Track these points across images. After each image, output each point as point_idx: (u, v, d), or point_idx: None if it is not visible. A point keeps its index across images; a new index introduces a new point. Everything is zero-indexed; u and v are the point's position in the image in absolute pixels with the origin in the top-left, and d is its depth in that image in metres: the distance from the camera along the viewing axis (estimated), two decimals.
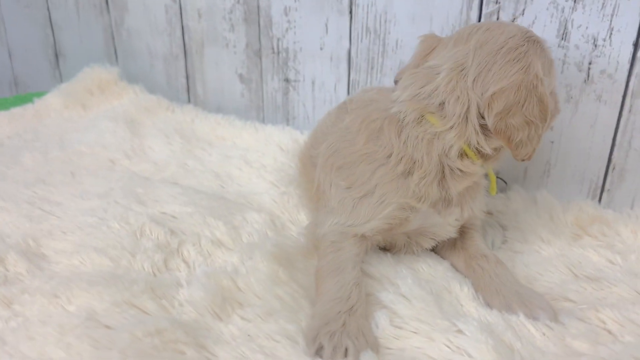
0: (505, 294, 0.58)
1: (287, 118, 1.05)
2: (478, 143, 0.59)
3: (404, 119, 0.60)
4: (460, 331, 0.52)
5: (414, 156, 0.59)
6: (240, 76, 1.08)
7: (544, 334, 0.54)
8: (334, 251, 0.58)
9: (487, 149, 0.59)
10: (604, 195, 0.78)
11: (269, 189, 0.80)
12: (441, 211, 0.62)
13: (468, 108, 0.58)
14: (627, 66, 0.71)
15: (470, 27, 0.63)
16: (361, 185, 0.60)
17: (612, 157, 0.76)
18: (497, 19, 0.77)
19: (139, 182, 0.80)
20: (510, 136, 0.58)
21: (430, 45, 0.65)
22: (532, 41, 0.60)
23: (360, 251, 0.60)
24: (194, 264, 0.61)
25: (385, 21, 0.87)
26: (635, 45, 0.70)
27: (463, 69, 0.59)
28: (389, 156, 0.59)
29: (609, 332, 0.55)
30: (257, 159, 0.90)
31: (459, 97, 0.58)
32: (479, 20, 0.79)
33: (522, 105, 0.57)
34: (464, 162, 0.60)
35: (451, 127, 0.58)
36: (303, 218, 0.74)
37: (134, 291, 0.53)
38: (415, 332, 0.52)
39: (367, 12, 0.88)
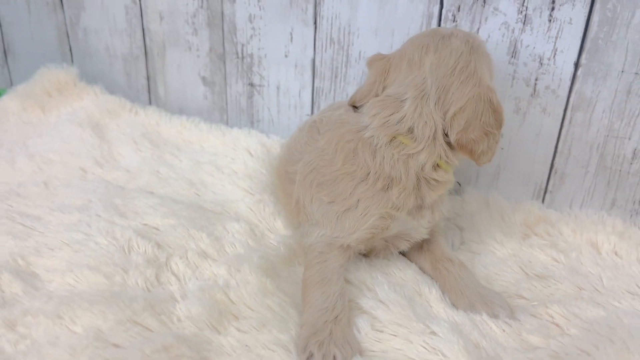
0: (468, 295, 0.66)
1: (251, 121, 1.09)
2: (447, 157, 0.66)
3: (377, 143, 0.65)
4: (434, 333, 0.59)
5: (392, 174, 0.64)
6: (204, 79, 1.10)
7: (504, 331, 0.61)
8: (320, 262, 0.64)
9: (455, 161, 0.66)
10: (547, 196, 0.87)
11: (244, 197, 0.84)
12: (415, 216, 0.68)
13: (435, 130, 0.65)
14: (569, 83, 0.80)
15: (418, 46, 0.68)
16: (344, 200, 0.65)
17: (555, 162, 0.85)
18: None
19: (115, 192, 0.82)
20: (472, 149, 0.65)
21: (382, 68, 0.71)
22: (474, 50, 0.67)
23: (344, 262, 0.66)
24: (184, 277, 0.65)
25: (349, 33, 0.92)
26: (576, 65, 0.78)
27: (424, 95, 0.65)
28: (367, 174, 0.65)
29: (557, 325, 0.63)
30: (227, 165, 0.94)
31: (426, 122, 0.64)
32: None
33: (480, 119, 0.64)
34: (438, 173, 0.66)
35: (422, 148, 0.64)
36: (280, 226, 0.78)
37: (135, 309, 0.57)
38: (394, 335, 0.59)
39: (332, 24, 0.92)
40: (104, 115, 1.06)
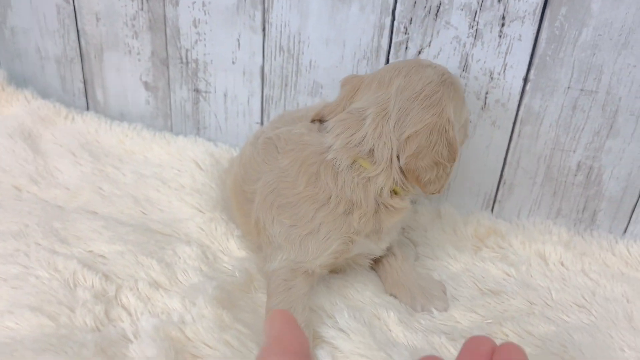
0: (410, 288, 0.70)
1: (197, 127, 1.05)
2: (402, 182, 0.65)
3: (339, 165, 0.64)
4: None
5: (352, 198, 0.63)
6: (146, 83, 1.05)
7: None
8: (284, 290, 0.62)
9: (410, 188, 0.66)
10: (496, 205, 0.89)
11: (193, 215, 0.81)
12: (373, 239, 0.68)
13: (392, 152, 0.64)
14: (518, 97, 0.81)
15: (392, 68, 0.68)
16: (306, 224, 0.64)
17: (504, 173, 0.86)
18: (406, 48, 0.83)
19: (54, 213, 0.77)
20: (419, 176, 0.64)
21: (354, 86, 0.70)
22: (446, 85, 0.67)
23: (309, 289, 0.65)
24: (135, 312, 0.62)
25: (299, 42, 0.89)
26: (525, 80, 0.79)
27: (385, 114, 0.65)
28: (329, 198, 0.63)
29: None
30: (173, 178, 0.90)
31: (385, 142, 0.64)
32: (389, 48, 0.84)
33: (432, 148, 0.64)
34: (394, 200, 0.66)
35: (380, 172, 0.64)
36: (234, 247, 0.76)
37: (84, 355, 0.53)
38: None
39: (281, 32, 0.89)
40: (37, 124, 0.99)
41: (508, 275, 0.76)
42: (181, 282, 0.67)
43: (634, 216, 0.83)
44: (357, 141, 0.64)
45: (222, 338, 0.59)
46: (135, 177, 0.89)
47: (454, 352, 0.62)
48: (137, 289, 0.65)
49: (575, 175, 0.83)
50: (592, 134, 0.80)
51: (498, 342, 0.62)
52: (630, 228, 0.84)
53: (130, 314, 0.62)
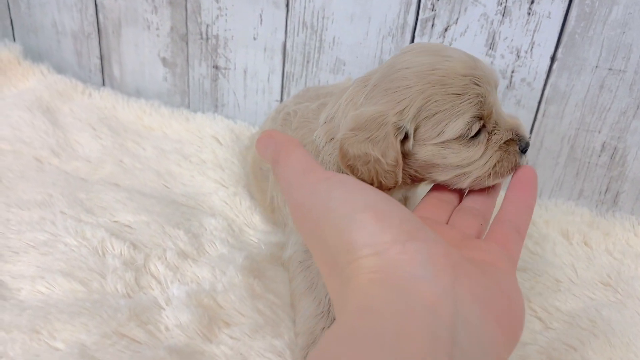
0: None
1: (215, 105, 1.04)
2: None
3: (319, 143, 0.59)
4: None
5: None
6: (164, 60, 1.04)
7: None
8: (302, 270, 0.61)
9: None
10: None
11: (217, 189, 0.80)
12: None
13: None
14: (544, 76, 0.80)
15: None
16: None
17: (527, 154, 0.86)
18: (432, 25, 0.82)
19: (77, 185, 0.77)
20: (350, 166, 0.54)
21: None
22: (430, 80, 0.52)
23: None
24: (165, 281, 0.61)
25: (323, 18, 0.88)
26: (552, 59, 0.79)
27: (362, 88, 0.56)
28: None
29: (540, 320, 0.64)
30: (194, 153, 0.89)
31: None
32: (415, 25, 0.83)
33: (360, 143, 0.53)
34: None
35: None
36: (258, 221, 0.76)
37: (119, 320, 0.53)
38: None
39: (305, 7, 0.89)
40: (55, 98, 0.99)
41: (533, 253, 0.76)
42: (209, 253, 0.67)
43: None
44: (331, 117, 0.58)
45: (254, 306, 0.58)
46: (156, 151, 0.89)
47: None
48: (166, 258, 0.64)
49: (600, 155, 0.83)
50: (619, 114, 0.79)
51: (527, 318, 0.63)
52: None
53: (160, 282, 0.61)
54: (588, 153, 0.83)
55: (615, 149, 0.82)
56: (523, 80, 0.82)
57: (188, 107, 1.06)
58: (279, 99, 0.98)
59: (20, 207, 0.70)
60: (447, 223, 0.51)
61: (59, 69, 1.09)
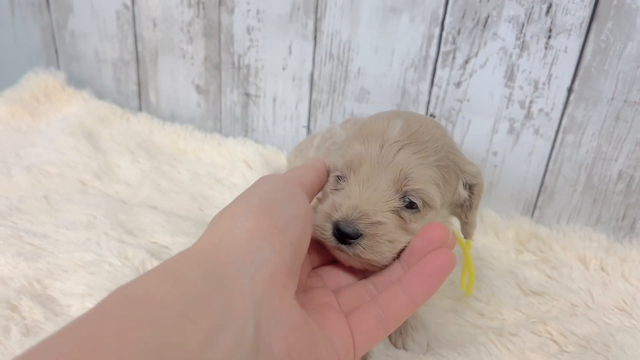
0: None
1: (245, 130, 1.09)
2: None
3: None
4: (441, 355, 0.62)
5: None
6: (197, 87, 1.10)
7: (508, 349, 0.65)
8: None
9: None
10: (536, 211, 0.92)
11: None
12: None
13: None
14: (561, 107, 0.84)
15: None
16: None
17: (545, 180, 0.89)
18: (454, 58, 0.87)
19: (118, 207, 0.82)
20: None
21: None
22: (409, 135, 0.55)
23: None
24: None
25: (349, 50, 0.93)
26: (569, 90, 0.82)
27: None
28: None
29: (556, 342, 0.67)
30: (226, 177, 0.94)
31: None
32: (437, 57, 0.88)
33: None
34: None
35: None
36: None
37: None
38: None
39: (332, 40, 0.94)
40: (96, 123, 1.05)
41: (550, 278, 0.79)
42: None
43: None
44: None
45: None
46: (190, 175, 0.94)
47: (502, 348, 0.65)
48: None
49: (616, 183, 0.85)
50: (634, 144, 0.82)
51: (540, 341, 0.66)
52: None
53: None
54: (605, 181, 0.86)
55: (631, 177, 0.84)
56: (541, 110, 0.85)
57: (220, 131, 1.11)
58: (306, 125, 1.03)
59: (67, 228, 0.76)
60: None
61: (100, 95, 1.16)
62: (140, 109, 1.17)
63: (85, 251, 0.71)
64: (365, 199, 0.49)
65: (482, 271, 0.80)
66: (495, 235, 0.87)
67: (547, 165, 0.88)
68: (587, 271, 0.80)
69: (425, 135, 0.53)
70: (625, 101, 0.80)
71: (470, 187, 0.58)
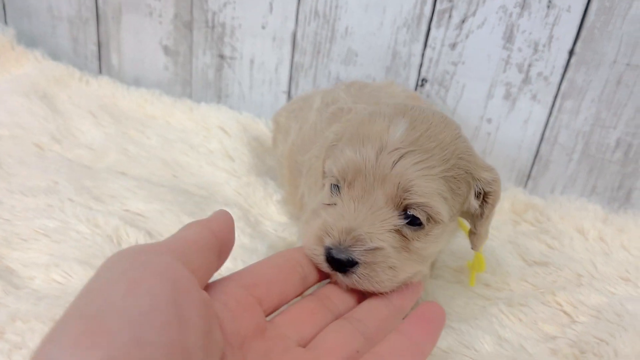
0: None
1: (219, 95, 1.01)
2: None
3: None
4: (458, 329, 0.57)
5: None
6: (165, 48, 1.01)
7: (520, 320, 0.61)
8: None
9: None
10: (530, 182, 0.88)
11: (228, 179, 0.77)
12: None
13: None
14: (561, 71, 0.80)
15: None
16: None
17: (540, 149, 0.86)
18: (450, 17, 0.81)
19: (82, 172, 0.73)
20: None
21: None
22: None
23: None
24: None
25: (336, 7, 0.86)
26: (570, 53, 0.79)
27: None
28: None
29: (566, 313, 0.63)
30: (201, 143, 0.86)
31: None
32: (432, 16, 0.82)
33: None
34: None
35: None
36: (274, 211, 0.73)
37: None
38: None
39: None
40: (51, 84, 0.95)
41: (551, 247, 0.75)
42: None
43: None
44: None
45: None
46: (161, 140, 0.85)
47: (514, 320, 0.61)
48: None
49: (614, 152, 0.83)
50: (635, 110, 0.79)
51: (551, 312, 0.62)
52: None
53: None
54: (602, 149, 0.83)
55: (629, 145, 0.81)
56: (540, 74, 0.81)
57: (190, 97, 1.02)
58: (286, 90, 0.96)
59: (24, 193, 0.66)
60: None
61: (54, 56, 1.05)
62: (100, 72, 1.07)
63: (47, 218, 0.62)
64: (361, 220, 0.43)
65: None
66: None
67: (543, 133, 0.84)
68: (587, 241, 0.77)
69: (432, 141, 0.45)
70: (627, 64, 0.77)
71: (484, 195, 0.51)
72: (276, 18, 0.91)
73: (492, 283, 0.66)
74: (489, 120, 0.86)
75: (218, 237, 0.36)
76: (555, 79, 0.81)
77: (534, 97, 0.83)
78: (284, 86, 0.96)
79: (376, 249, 0.42)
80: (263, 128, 0.93)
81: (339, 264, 0.42)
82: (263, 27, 0.92)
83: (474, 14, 0.80)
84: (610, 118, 0.81)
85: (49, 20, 1.05)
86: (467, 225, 0.57)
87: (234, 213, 0.69)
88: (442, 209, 0.44)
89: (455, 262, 0.70)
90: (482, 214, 0.51)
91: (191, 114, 0.94)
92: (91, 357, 0.24)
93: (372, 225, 0.43)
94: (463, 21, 0.81)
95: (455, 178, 0.46)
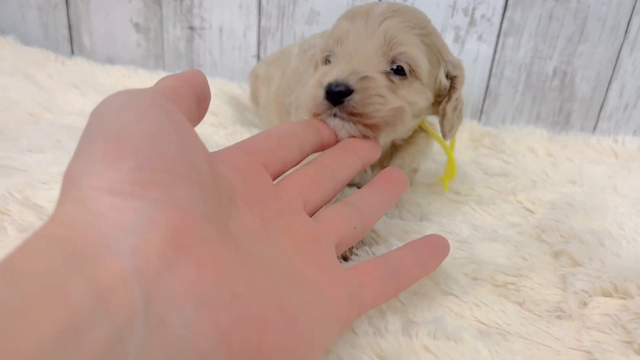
0: None
1: (191, 66, 1.07)
2: None
3: None
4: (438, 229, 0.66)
5: None
6: (136, 25, 1.06)
7: (490, 214, 0.71)
8: None
9: None
10: (483, 116, 0.99)
11: (217, 131, 0.84)
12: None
13: None
14: (501, 11, 0.91)
15: None
16: None
17: (489, 84, 0.96)
18: None
19: (81, 133, 0.78)
20: None
21: None
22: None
23: None
24: None
25: None
26: None
27: None
28: None
29: (527, 209, 0.73)
30: None
31: None
32: None
33: None
34: None
35: None
36: None
37: None
38: None
39: None
40: (30, 66, 0.99)
41: (507, 163, 0.86)
42: None
43: (601, 114, 0.96)
44: None
45: None
46: None
47: (483, 213, 0.70)
48: None
49: (552, 80, 0.94)
50: (566, 41, 0.91)
51: (514, 207, 0.72)
52: (599, 125, 0.97)
53: None
54: (542, 79, 0.94)
55: (564, 72, 0.93)
56: (483, 16, 0.92)
57: (164, 69, 1.08)
58: (255, 54, 1.03)
59: (32, 151, 0.71)
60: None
61: (26, 42, 1.09)
62: (72, 54, 1.11)
63: (60, 165, 0.67)
64: (355, 63, 0.51)
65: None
66: None
67: (490, 70, 0.95)
68: (537, 157, 0.88)
69: (410, 13, 0.56)
70: (556, 0, 0.88)
71: (451, 80, 0.58)
72: None
73: (462, 190, 0.76)
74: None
75: (194, 86, 0.36)
76: (497, 19, 0.91)
77: (479, 38, 0.93)
78: (253, 50, 1.03)
79: (368, 77, 0.50)
80: (237, 90, 1.00)
81: (338, 95, 0.48)
82: None
83: None
84: (547, 50, 0.92)
85: (18, 8, 1.09)
86: (438, 134, 0.67)
87: None
88: (421, 61, 0.53)
89: (429, 179, 0.79)
90: (449, 97, 0.59)
91: None
92: (122, 167, 0.26)
93: (365, 66, 0.51)
94: None
95: (428, 46, 0.55)
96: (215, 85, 1.00)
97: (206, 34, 1.04)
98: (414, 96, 0.55)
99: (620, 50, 0.90)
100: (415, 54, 0.53)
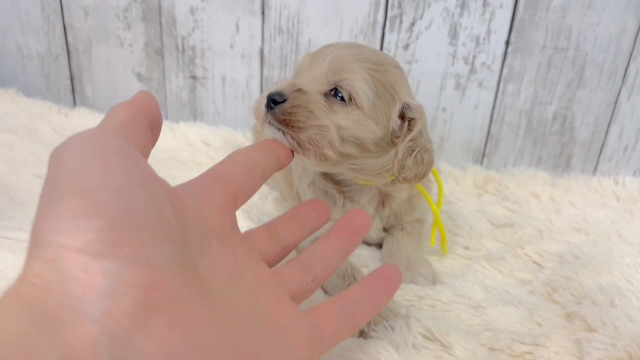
0: (396, 259, 0.68)
1: (194, 115, 1.08)
2: None
3: None
4: (448, 284, 0.67)
5: None
6: (139, 75, 1.07)
7: (500, 272, 0.71)
8: None
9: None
10: (485, 159, 1.00)
11: None
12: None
13: None
14: (501, 59, 0.92)
15: None
16: None
17: (491, 129, 0.98)
18: (400, 22, 0.92)
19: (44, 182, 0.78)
20: None
21: None
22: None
23: None
24: None
25: (298, 22, 0.96)
26: (507, 43, 0.91)
27: None
28: None
29: (534, 262, 0.75)
30: (189, 158, 0.93)
31: None
32: (385, 22, 0.93)
33: None
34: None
35: None
36: (271, 209, 0.81)
37: None
38: None
39: (280, 14, 0.96)
40: (33, 119, 0.99)
41: (512, 211, 0.87)
42: None
43: (601, 156, 0.97)
44: None
45: None
46: (152, 159, 0.90)
47: (493, 271, 0.71)
48: None
49: (552, 124, 0.96)
50: (565, 87, 0.93)
51: (523, 262, 0.73)
52: (599, 166, 0.98)
53: None
54: (542, 123, 0.96)
55: (564, 117, 0.95)
56: (483, 64, 0.93)
57: (167, 118, 1.09)
58: None
59: None
60: None
61: (27, 93, 1.09)
62: (75, 104, 1.11)
63: None
64: (299, 82, 0.53)
65: (456, 212, 0.86)
66: (455, 183, 0.94)
67: (491, 115, 0.97)
68: (541, 203, 0.89)
69: (368, 51, 0.58)
70: (555, 48, 0.90)
71: (408, 122, 0.57)
72: (243, 37, 0.99)
73: (470, 245, 0.77)
74: (444, 109, 0.97)
75: (146, 114, 0.37)
76: (497, 66, 0.93)
77: (480, 85, 0.95)
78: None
79: (302, 90, 0.52)
80: (242, 138, 1.01)
81: (272, 101, 0.50)
82: (231, 47, 1.00)
83: (421, 17, 0.91)
84: (546, 95, 0.94)
85: (19, 59, 1.09)
86: (431, 199, 0.69)
87: (239, 214, 0.77)
88: (361, 91, 0.54)
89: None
90: (404, 138, 0.57)
91: (173, 133, 1.01)
92: (93, 226, 0.26)
93: (306, 85, 0.53)
94: (412, 24, 0.92)
95: (380, 82, 0.56)
96: (219, 135, 1.01)
97: (209, 83, 1.04)
98: (348, 122, 0.54)
99: (618, 95, 0.92)
100: (357, 83, 0.54)
